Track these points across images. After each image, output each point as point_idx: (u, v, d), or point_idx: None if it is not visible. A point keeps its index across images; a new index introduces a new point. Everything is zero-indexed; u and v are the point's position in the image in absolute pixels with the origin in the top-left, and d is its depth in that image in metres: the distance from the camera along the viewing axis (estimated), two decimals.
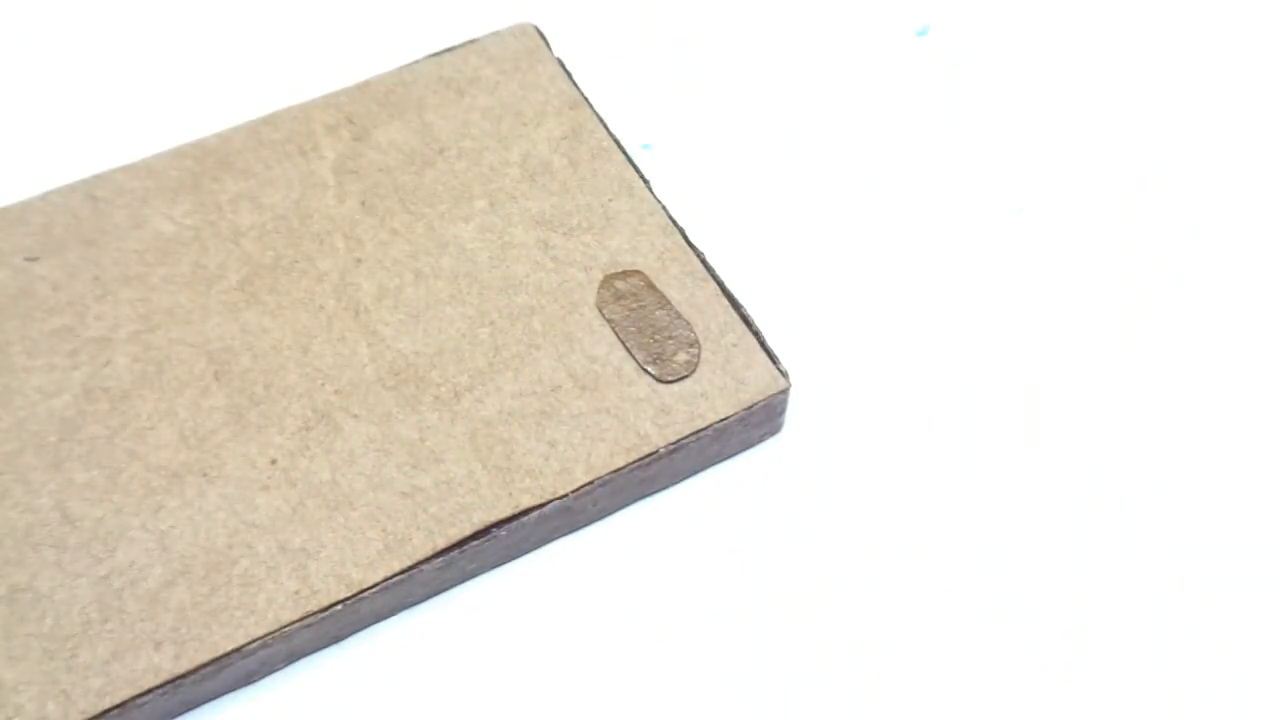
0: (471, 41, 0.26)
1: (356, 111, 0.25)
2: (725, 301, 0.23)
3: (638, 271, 0.23)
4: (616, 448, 0.21)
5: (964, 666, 0.21)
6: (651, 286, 0.23)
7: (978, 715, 0.20)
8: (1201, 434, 0.23)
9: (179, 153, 0.24)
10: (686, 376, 0.22)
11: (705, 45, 0.29)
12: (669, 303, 0.22)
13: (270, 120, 0.25)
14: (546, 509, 0.21)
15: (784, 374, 0.22)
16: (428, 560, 0.20)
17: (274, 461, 0.21)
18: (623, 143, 0.25)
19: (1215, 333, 0.25)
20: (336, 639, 0.21)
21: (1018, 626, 0.21)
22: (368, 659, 0.21)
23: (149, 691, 0.19)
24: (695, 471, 0.23)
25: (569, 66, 0.26)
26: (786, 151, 0.27)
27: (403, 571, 0.20)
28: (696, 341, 0.22)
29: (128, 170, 0.24)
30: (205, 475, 0.21)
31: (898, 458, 0.23)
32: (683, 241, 0.23)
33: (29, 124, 0.27)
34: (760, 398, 0.22)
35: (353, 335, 0.22)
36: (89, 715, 0.18)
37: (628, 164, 0.24)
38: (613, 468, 0.21)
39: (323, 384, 0.22)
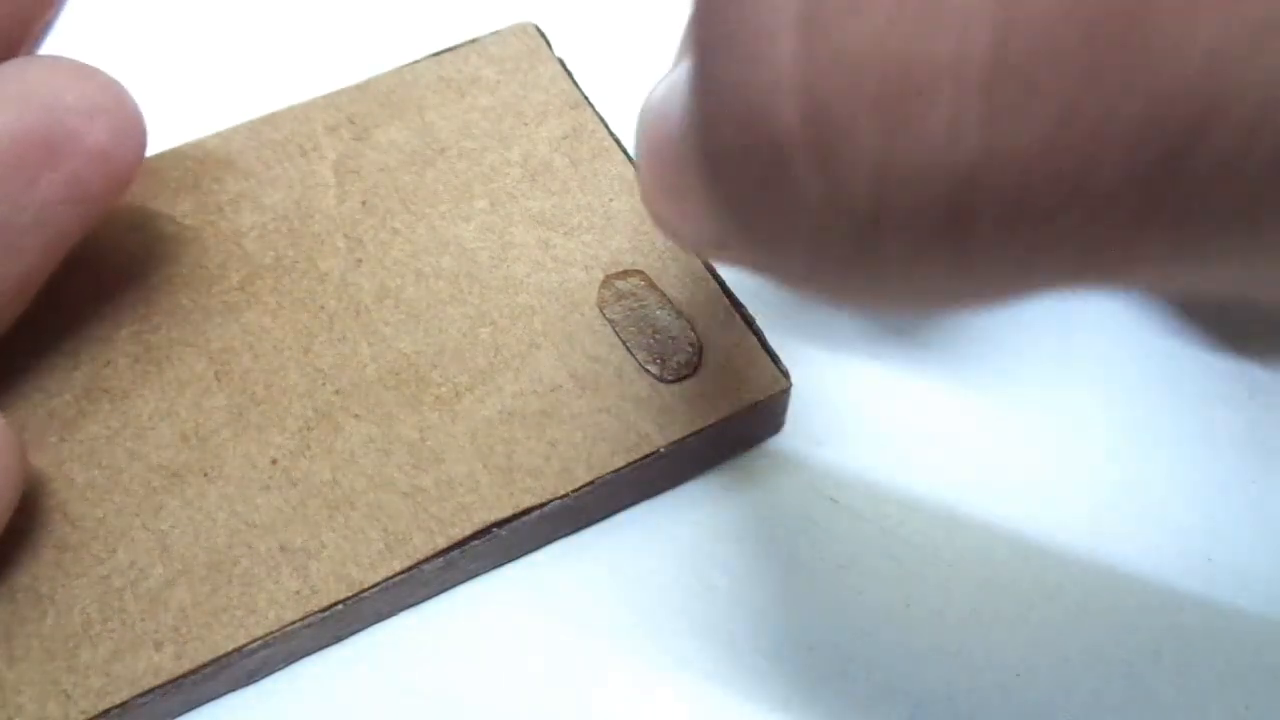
0: (472, 41, 0.26)
1: (357, 111, 0.25)
2: (726, 301, 0.23)
3: (639, 271, 0.23)
4: (617, 447, 0.21)
5: (966, 666, 0.21)
6: (652, 286, 0.23)
7: (980, 714, 0.20)
8: (1216, 428, 0.23)
9: (179, 153, 0.24)
10: (687, 376, 0.22)
11: None
12: (670, 303, 0.22)
13: (270, 120, 0.25)
14: (547, 509, 0.21)
15: (784, 374, 0.22)
16: (429, 560, 0.20)
17: (275, 461, 0.21)
18: (624, 143, 0.25)
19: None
20: (337, 638, 0.21)
21: (1020, 626, 0.21)
22: (369, 659, 0.21)
23: (150, 691, 0.19)
24: (696, 471, 0.23)
25: (570, 66, 0.26)
26: None
27: (404, 571, 0.20)
28: (697, 341, 0.22)
29: None
30: (206, 475, 0.21)
31: (899, 458, 0.23)
32: None
33: None
34: (760, 398, 0.22)
35: (353, 335, 0.22)
36: (90, 715, 0.18)
37: (629, 164, 0.24)
38: (613, 467, 0.21)
39: (323, 384, 0.22)
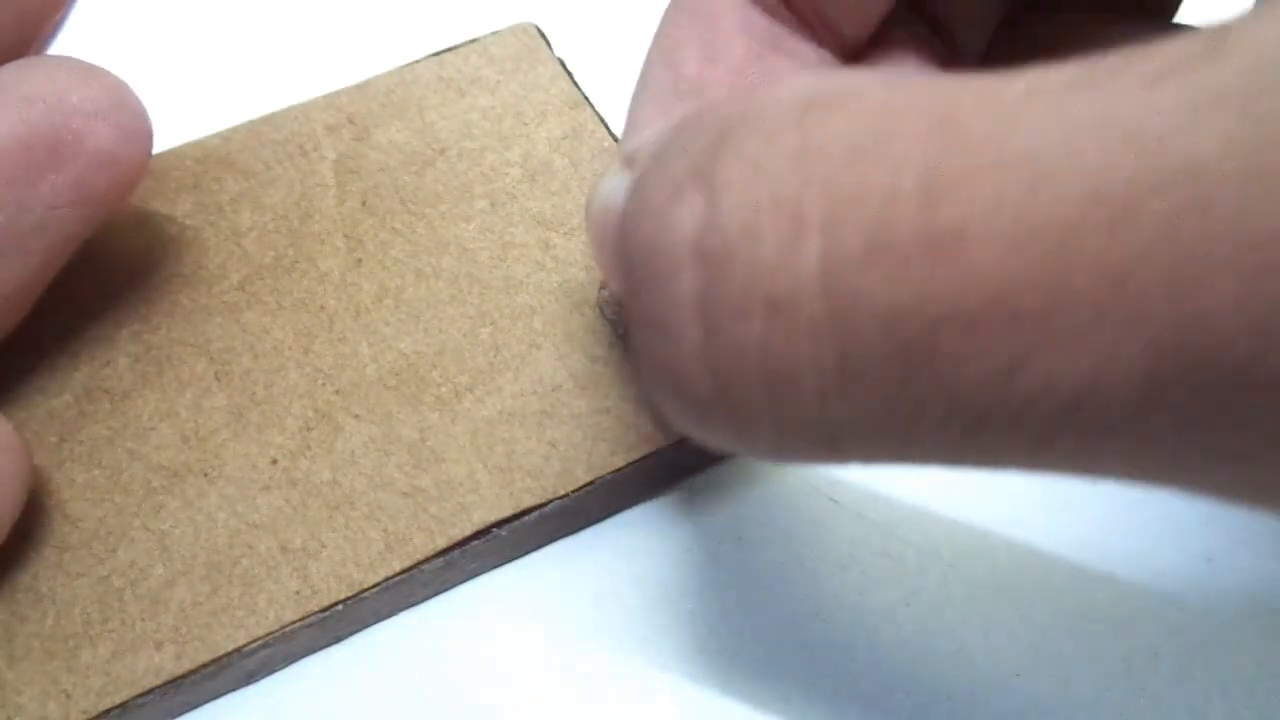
0: (472, 41, 0.26)
1: (357, 111, 0.25)
2: None
3: None
4: (617, 447, 0.21)
5: (966, 666, 0.21)
6: None
7: (980, 714, 0.20)
8: None
9: (179, 153, 0.24)
10: None
11: None
12: None
13: (270, 120, 0.25)
14: (547, 509, 0.21)
15: None
16: (428, 560, 0.20)
17: (275, 461, 0.21)
18: None
19: None
20: (337, 638, 0.21)
21: (1020, 626, 0.21)
22: (368, 659, 0.21)
23: (150, 691, 0.19)
24: (697, 471, 0.23)
25: (570, 66, 0.26)
26: None
27: (404, 571, 0.20)
28: None
29: None
30: (206, 475, 0.21)
31: None
32: None
33: None
34: None
35: (354, 335, 0.22)
36: (90, 715, 0.18)
37: None
38: (614, 467, 0.21)
39: (323, 384, 0.22)
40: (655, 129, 0.17)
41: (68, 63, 0.19)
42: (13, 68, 0.19)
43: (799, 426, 0.12)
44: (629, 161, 0.17)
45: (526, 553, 0.22)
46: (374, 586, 0.20)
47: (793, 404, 0.12)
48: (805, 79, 0.13)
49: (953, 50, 0.21)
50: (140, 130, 0.20)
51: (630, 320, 0.14)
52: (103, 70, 0.20)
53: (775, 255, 0.12)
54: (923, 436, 0.12)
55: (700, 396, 0.13)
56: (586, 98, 0.25)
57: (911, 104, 0.12)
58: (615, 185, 0.17)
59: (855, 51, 0.21)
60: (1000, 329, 0.11)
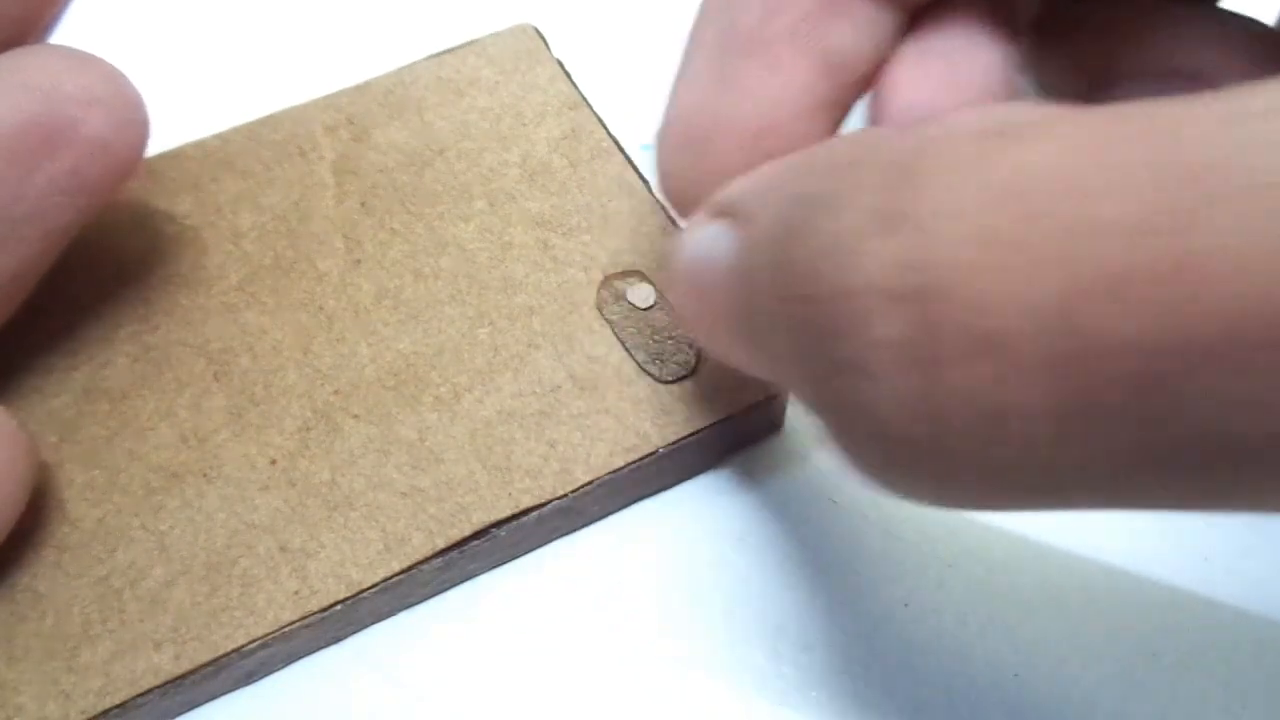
0: (471, 42, 0.26)
1: (356, 112, 0.25)
2: None
3: (637, 271, 0.23)
4: (616, 448, 0.21)
5: (966, 666, 0.21)
6: (651, 287, 0.23)
7: (980, 714, 0.20)
8: None
9: (179, 153, 0.25)
10: (686, 376, 0.22)
11: None
12: (668, 303, 0.22)
13: (270, 121, 0.25)
14: (546, 509, 0.21)
15: None
16: (427, 560, 0.20)
17: (274, 462, 0.21)
18: (622, 143, 0.25)
19: None
20: (336, 639, 0.21)
21: (1019, 626, 0.21)
22: (368, 659, 0.21)
23: (149, 691, 0.19)
24: (696, 472, 0.23)
25: (569, 67, 0.26)
26: None
27: (402, 571, 0.20)
28: (696, 341, 0.22)
29: None
30: (205, 476, 0.21)
31: None
32: None
33: None
34: (760, 398, 0.22)
35: (352, 335, 0.22)
36: (89, 715, 0.18)
37: (627, 164, 0.24)
38: (612, 468, 0.21)
39: (322, 384, 0.22)
40: (749, 182, 0.16)
41: (62, 51, 0.19)
42: (7, 56, 0.19)
43: (1011, 471, 0.12)
44: (722, 211, 0.16)
45: (525, 553, 0.22)
46: (373, 587, 0.20)
47: (1007, 448, 0.12)
48: (978, 111, 0.13)
49: (1009, 14, 0.20)
50: (136, 118, 0.20)
51: (806, 370, 0.13)
52: (98, 58, 0.20)
53: (996, 293, 0.11)
54: (1150, 475, 0.12)
55: (909, 441, 0.12)
56: (585, 98, 0.25)
57: (1125, 132, 0.11)
58: (714, 234, 0.16)
59: (916, 12, 0.20)
60: (1265, 358, 0.10)
